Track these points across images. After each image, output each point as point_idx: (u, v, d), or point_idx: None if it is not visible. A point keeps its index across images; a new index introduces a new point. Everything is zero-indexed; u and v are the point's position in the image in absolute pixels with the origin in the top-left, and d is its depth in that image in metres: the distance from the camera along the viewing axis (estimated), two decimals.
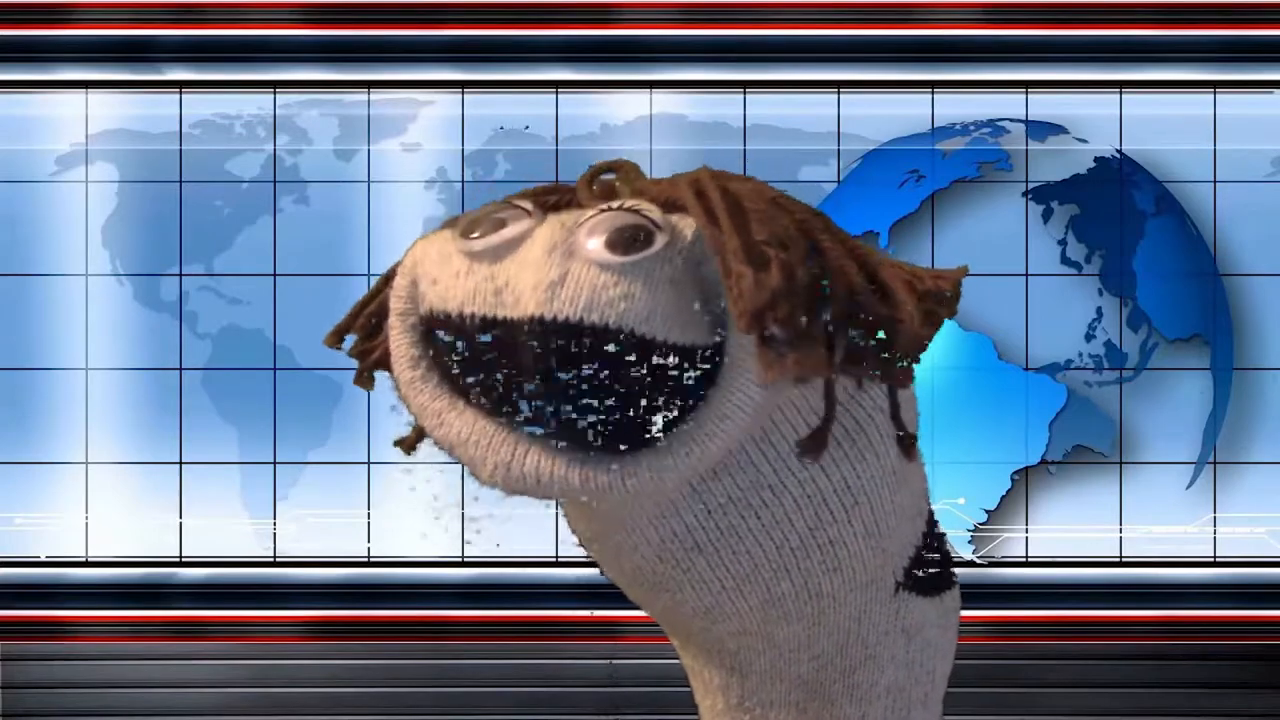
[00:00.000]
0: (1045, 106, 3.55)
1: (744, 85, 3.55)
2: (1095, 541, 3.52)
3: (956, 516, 3.48)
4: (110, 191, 3.56)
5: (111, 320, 3.55)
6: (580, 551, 0.88)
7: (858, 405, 0.81)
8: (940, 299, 0.77)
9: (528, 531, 3.46)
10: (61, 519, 3.53)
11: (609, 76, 3.55)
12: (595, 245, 0.72)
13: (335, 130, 3.58)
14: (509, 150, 3.58)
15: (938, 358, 3.35)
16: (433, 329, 0.76)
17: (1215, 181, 3.54)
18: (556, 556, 3.48)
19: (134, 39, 3.52)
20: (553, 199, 0.80)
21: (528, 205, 0.77)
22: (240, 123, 3.58)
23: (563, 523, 0.86)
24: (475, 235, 0.74)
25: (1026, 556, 3.51)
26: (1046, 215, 3.54)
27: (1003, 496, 3.52)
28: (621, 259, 0.71)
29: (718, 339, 0.73)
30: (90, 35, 3.52)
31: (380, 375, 0.85)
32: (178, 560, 3.53)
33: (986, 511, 3.51)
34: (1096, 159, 3.54)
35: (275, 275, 3.55)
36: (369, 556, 3.54)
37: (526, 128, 3.57)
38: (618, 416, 0.72)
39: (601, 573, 0.88)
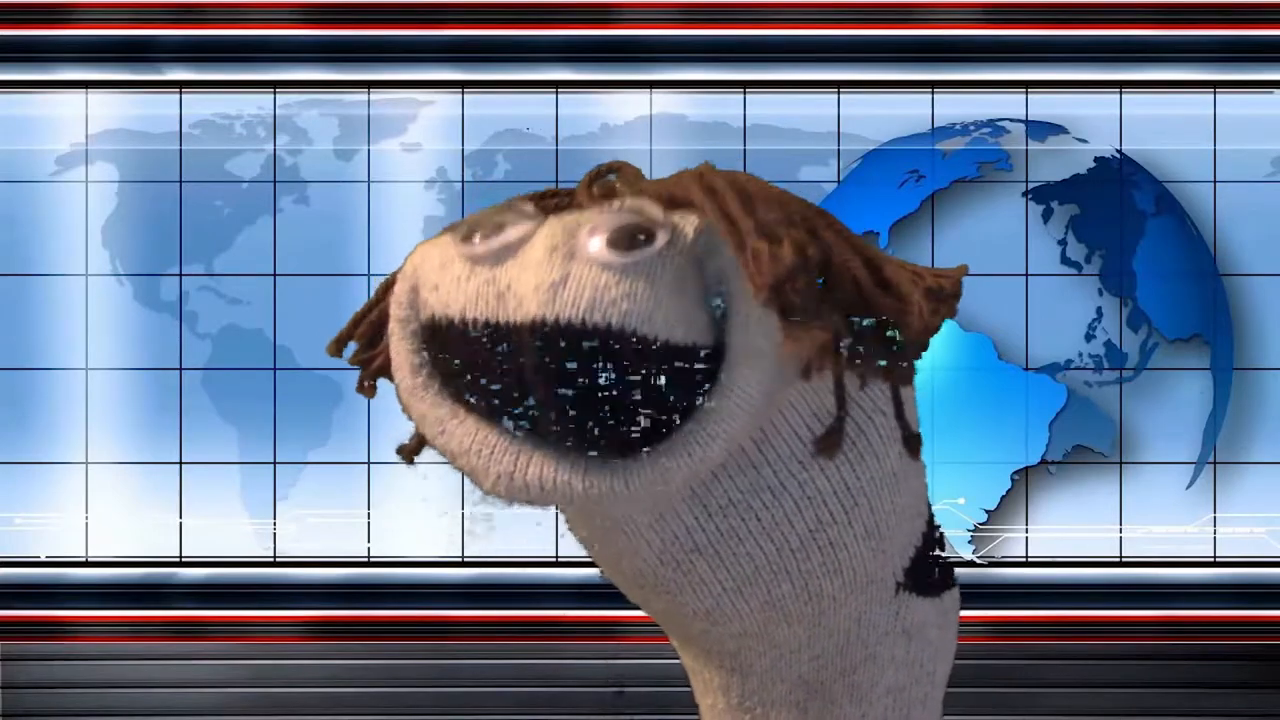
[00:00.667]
0: (1045, 106, 3.55)
1: (744, 85, 3.55)
2: (1095, 541, 3.52)
3: (956, 516, 3.48)
4: (110, 191, 3.56)
5: (111, 320, 3.55)
6: (580, 551, 0.88)
7: (857, 407, 0.81)
8: (942, 296, 0.77)
9: (528, 532, 3.46)
10: (61, 519, 3.53)
11: (609, 76, 3.55)
12: (597, 245, 0.72)
13: (335, 130, 3.58)
14: (509, 150, 3.58)
15: (938, 358, 3.35)
16: (435, 335, 0.76)
17: (1215, 181, 3.54)
18: (556, 556, 3.48)
19: (134, 39, 3.52)
20: (553, 202, 0.80)
21: (528, 208, 0.77)
22: (240, 123, 3.58)
23: (563, 523, 0.86)
24: (476, 239, 0.74)
25: (1026, 556, 3.52)
26: (1046, 215, 3.54)
27: (1003, 496, 3.52)
28: (623, 258, 0.71)
29: (720, 338, 0.73)
30: (90, 35, 3.52)
31: (381, 381, 0.85)
32: (178, 560, 3.53)
33: (986, 511, 3.51)
34: (1096, 159, 3.55)
35: (275, 275, 3.55)
36: (369, 556, 3.54)
37: (528, 129, 3.57)
38: (620, 419, 0.72)
39: (602, 574, 0.88)
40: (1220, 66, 3.53)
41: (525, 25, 3.52)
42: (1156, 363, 3.53)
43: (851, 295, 0.75)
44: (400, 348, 0.78)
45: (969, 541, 3.51)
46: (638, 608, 0.88)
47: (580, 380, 0.71)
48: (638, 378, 0.71)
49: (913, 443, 0.84)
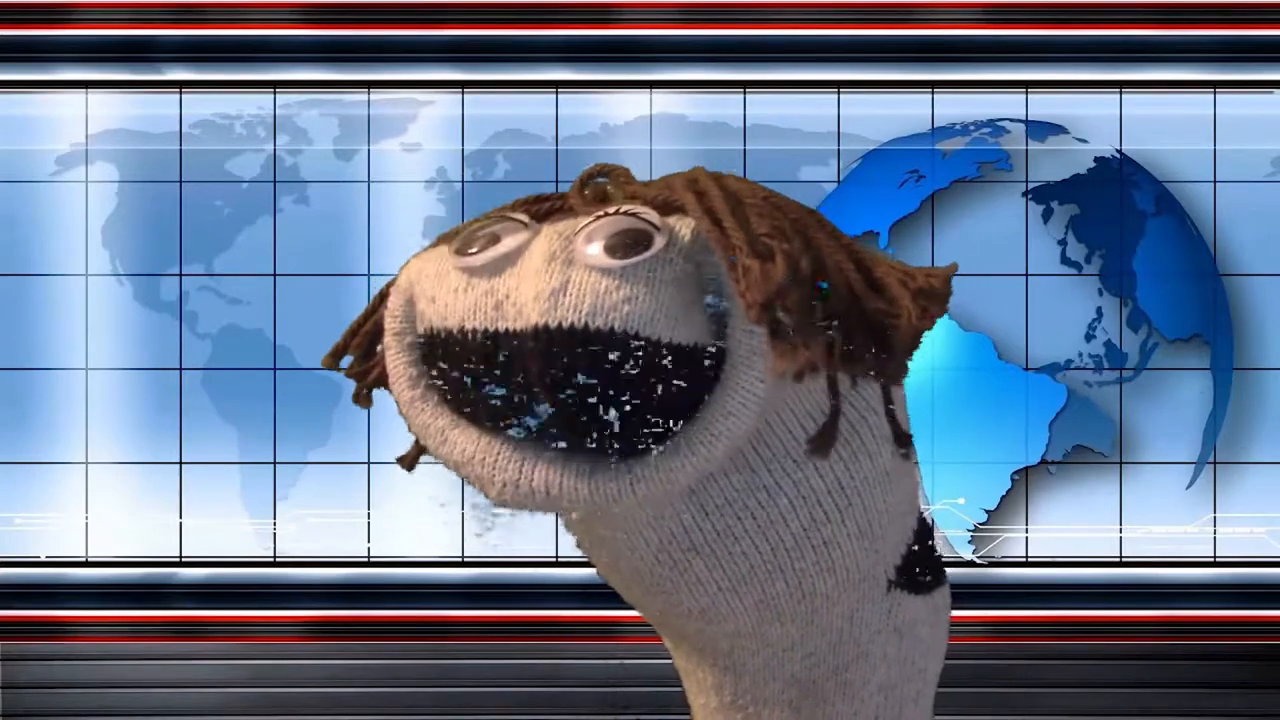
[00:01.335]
0: (1045, 106, 3.55)
1: (744, 85, 3.55)
2: (1095, 541, 3.52)
3: (956, 516, 3.48)
4: (110, 191, 3.57)
5: (111, 320, 3.55)
6: (580, 552, 0.88)
7: (850, 406, 0.81)
8: (933, 296, 0.77)
9: (532, 530, 3.46)
10: (61, 519, 3.54)
11: (609, 76, 3.56)
12: (595, 251, 0.72)
13: (335, 130, 3.59)
14: (509, 150, 3.58)
15: (938, 358, 3.35)
16: (433, 347, 0.76)
17: (1215, 181, 3.54)
18: (556, 556, 3.48)
19: (134, 39, 3.52)
20: (545, 207, 0.81)
21: (522, 217, 0.77)
22: (240, 123, 3.58)
23: (562, 522, 0.86)
24: (472, 251, 0.75)
25: (1026, 556, 3.52)
26: (1046, 215, 3.54)
27: (1003, 496, 3.52)
28: (622, 263, 0.71)
29: (720, 338, 0.73)
30: (90, 35, 3.52)
31: (379, 391, 0.85)
32: (178, 560, 3.54)
33: (986, 511, 3.51)
34: (1096, 159, 3.55)
35: (275, 275, 3.55)
36: (369, 556, 3.54)
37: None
38: (624, 422, 0.72)
39: (598, 573, 0.88)
40: (1220, 66, 3.53)
41: (525, 25, 3.52)
42: (1156, 363, 3.53)
43: (843, 297, 0.75)
44: (397, 360, 0.78)
45: (969, 541, 3.51)
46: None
47: (584, 385, 0.71)
48: (641, 380, 0.71)
49: (904, 441, 0.84)
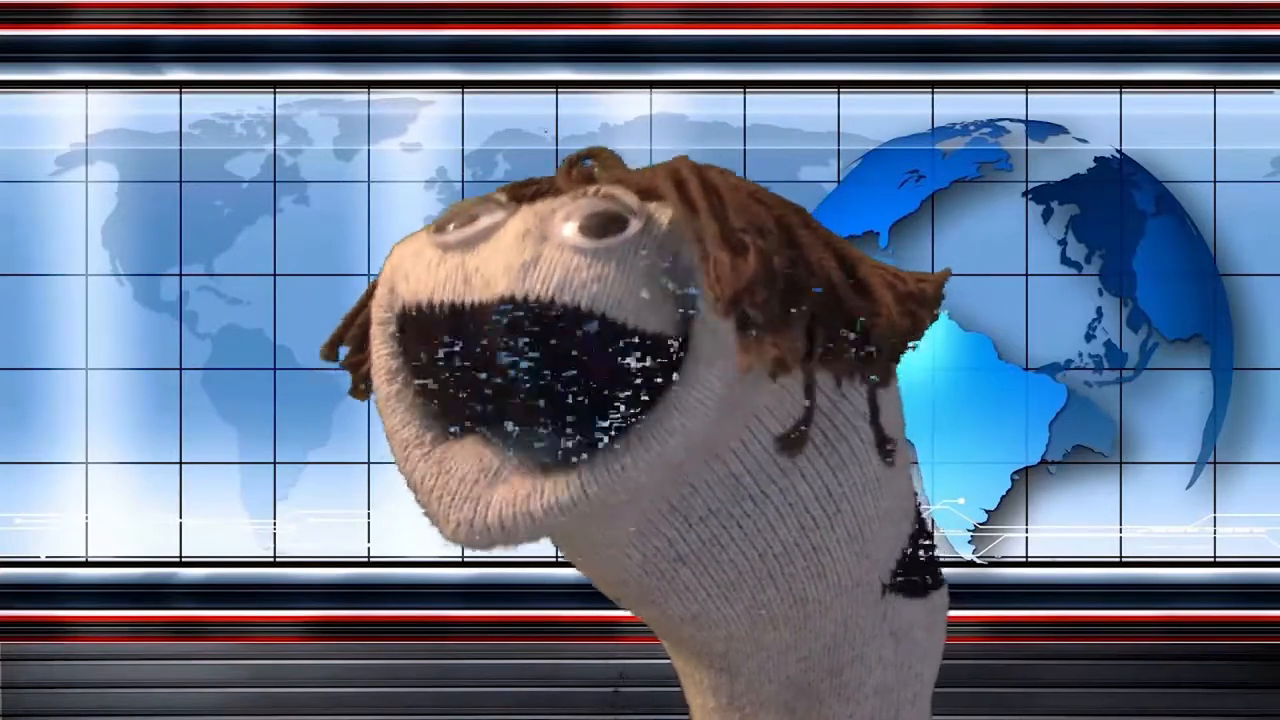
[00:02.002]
0: (1045, 106, 3.55)
1: (744, 85, 3.55)
2: (1095, 541, 3.52)
3: (956, 516, 3.48)
4: (110, 191, 3.56)
5: (111, 320, 3.55)
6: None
7: (837, 412, 0.81)
8: (922, 300, 0.77)
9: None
10: (61, 519, 3.54)
11: (609, 76, 3.55)
12: (569, 230, 0.71)
13: (335, 130, 3.58)
14: (509, 150, 3.58)
15: (938, 358, 3.35)
16: (404, 328, 0.76)
17: (1215, 181, 3.54)
18: (556, 556, 3.48)
19: (134, 39, 3.52)
20: (530, 190, 0.81)
21: (502, 198, 0.77)
22: (240, 123, 3.58)
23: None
24: (449, 229, 0.75)
25: (1026, 556, 3.51)
26: (1046, 215, 3.54)
27: (1003, 496, 3.52)
28: (595, 243, 0.71)
29: (685, 331, 0.73)
30: (90, 35, 3.52)
31: None
32: (178, 560, 3.54)
33: (986, 511, 3.51)
34: (1096, 159, 3.54)
35: (275, 275, 3.55)
36: (369, 556, 3.54)
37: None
38: (581, 408, 0.72)
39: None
40: (1220, 66, 3.53)
41: (525, 25, 3.52)
42: (1156, 363, 3.52)
43: (824, 295, 0.75)
44: (379, 351, 0.78)
45: (969, 541, 3.51)
46: None
47: (545, 361, 0.70)
48: (603, 363, 0.71)
49: (886, 449, 0.83)
